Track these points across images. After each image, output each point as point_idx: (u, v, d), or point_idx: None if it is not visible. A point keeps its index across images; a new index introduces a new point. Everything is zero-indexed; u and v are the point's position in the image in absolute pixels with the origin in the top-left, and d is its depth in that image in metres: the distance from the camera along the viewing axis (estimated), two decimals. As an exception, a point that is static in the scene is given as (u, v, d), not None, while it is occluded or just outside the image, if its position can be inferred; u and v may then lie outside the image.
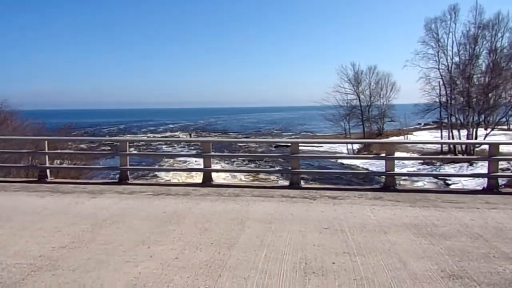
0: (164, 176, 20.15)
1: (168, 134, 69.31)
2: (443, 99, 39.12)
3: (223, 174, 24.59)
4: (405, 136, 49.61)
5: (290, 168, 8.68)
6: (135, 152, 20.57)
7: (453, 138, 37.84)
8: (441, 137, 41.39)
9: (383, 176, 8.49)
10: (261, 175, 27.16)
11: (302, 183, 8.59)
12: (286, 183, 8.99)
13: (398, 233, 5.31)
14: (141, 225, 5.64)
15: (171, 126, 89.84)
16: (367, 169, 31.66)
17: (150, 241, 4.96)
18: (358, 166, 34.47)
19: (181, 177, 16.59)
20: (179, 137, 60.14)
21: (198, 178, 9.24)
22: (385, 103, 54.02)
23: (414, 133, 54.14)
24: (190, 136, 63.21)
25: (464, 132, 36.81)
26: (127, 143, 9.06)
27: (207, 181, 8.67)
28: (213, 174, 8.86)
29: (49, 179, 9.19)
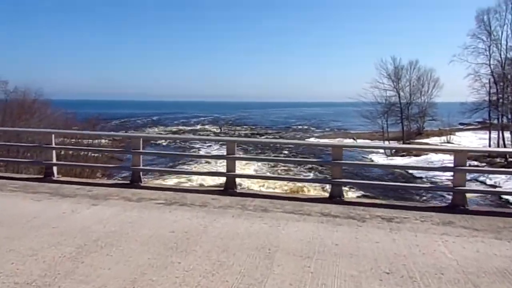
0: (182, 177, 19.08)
1: (199, 127, 68.94)
2: (494, 98, 35.79)
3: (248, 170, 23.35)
4: (448, 136, 46.36)
5: (330, 176, 7.13)
6: (151, 150, 19.42)
7: (503, 140, 34.60)
8: (490, 139, 37.99)
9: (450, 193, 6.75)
10: (292, 169, 25.95)
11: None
12: (317, 185, 7.45)
13: (495, 287, 3.68)
14: (139, 252, 4.33)
15: (203, 119, 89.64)
16: (411, 174, 29.00)
17: (143, 282, 3.62)
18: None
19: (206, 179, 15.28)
20: (200, 135, 59.02)
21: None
22: (426, 100, 50.70)
23: (457, 133, 50.50)
24: (221, 130, 62.47)
25: (516, 134, 33.45)
26: (141, 139, 7.84)
27: (229, 188, 7.29)
28: (238, 179, 7.50)
29: (55, 177, 8.17)
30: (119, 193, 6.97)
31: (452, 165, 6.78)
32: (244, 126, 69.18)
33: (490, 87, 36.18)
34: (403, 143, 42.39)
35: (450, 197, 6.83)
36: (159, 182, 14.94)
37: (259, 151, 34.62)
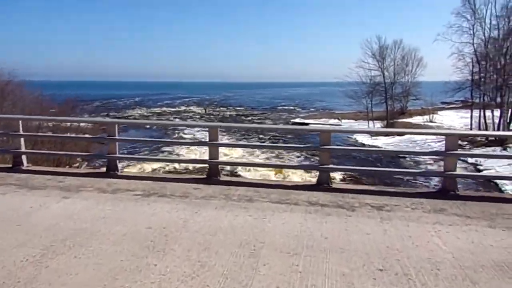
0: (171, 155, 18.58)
1: (183, 108, 67.80)
2: (476, 77, 36.06)
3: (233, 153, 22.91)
4: (430, 115, 46.89)
5: (318, 162, 6.83)
6: (134, 133, 18.53)
7: (484, 119, 35.11)
8: (471, 118, 38.55)
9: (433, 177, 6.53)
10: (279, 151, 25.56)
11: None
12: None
13: (494, 283, 3.46)
14: (111, 252, 3.94)
15: (187, 100, 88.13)
16: (394, 153, 28.81)
17: (114, 289, 3.26)
18: (380, 147, 32.17)
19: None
20: (184, 116, 58.19)
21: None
22: (410, 80, 50.89)
23: (440, 112, 51.17)
24: (206, 111, 61.54)
25: (497, 113, 33.93)
26: (116, 125, 7.30)
27: (213, 176, 6.92)
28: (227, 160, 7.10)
29: (25, 167, 7.62)
30: (94, 184, 6.51)
31: (439, 147, 6.55)
32: (229, 107, 68.36)
33: (473, 66, 36.36)
34: (387, 123, 42.65)
35: (436, 179, 6.63)
36: (140, 167, 14.45)
37: (243, 132, 34.17)
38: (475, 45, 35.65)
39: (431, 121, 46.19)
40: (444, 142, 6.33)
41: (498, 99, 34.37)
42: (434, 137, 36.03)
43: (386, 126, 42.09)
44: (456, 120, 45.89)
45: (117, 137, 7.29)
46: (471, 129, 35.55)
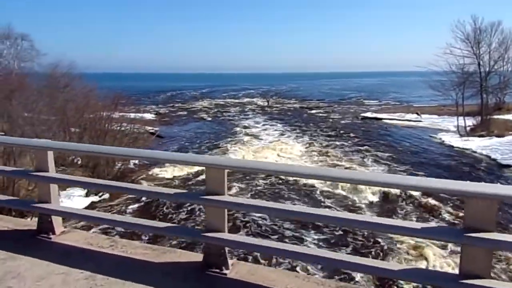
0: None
1: (246, 100, 65.48)
2: None
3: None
4: (537, 112, 38.23)
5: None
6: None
7: None
8: None
9: None
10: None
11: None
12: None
13: None
14: None
15: (252, 91, 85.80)
16: (495, 161, 22.58)
17: None
18: (475, 152, 25.83)
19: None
20: (245, 107, 55.58)
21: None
22: (510, 69, 42.01)
23: (547, 108, 41.79)
24: (268, 103, 58.17)
25: None
26: (49, 152, 3.98)
27: (213, 267, 3.34)
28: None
29: None
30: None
31: None
32: (294, 99, 64.31)
33: None
34: (482, 119, 35.43)
35: None
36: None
37: (294, 118, 30.53)
38: None
39: (541, 120, 37.52)
40: None
41: None
42: (547, 137, 28.57)
43: (481, 123, 35.03)
44: None
45: (50, 174, 3.98)
46: None
